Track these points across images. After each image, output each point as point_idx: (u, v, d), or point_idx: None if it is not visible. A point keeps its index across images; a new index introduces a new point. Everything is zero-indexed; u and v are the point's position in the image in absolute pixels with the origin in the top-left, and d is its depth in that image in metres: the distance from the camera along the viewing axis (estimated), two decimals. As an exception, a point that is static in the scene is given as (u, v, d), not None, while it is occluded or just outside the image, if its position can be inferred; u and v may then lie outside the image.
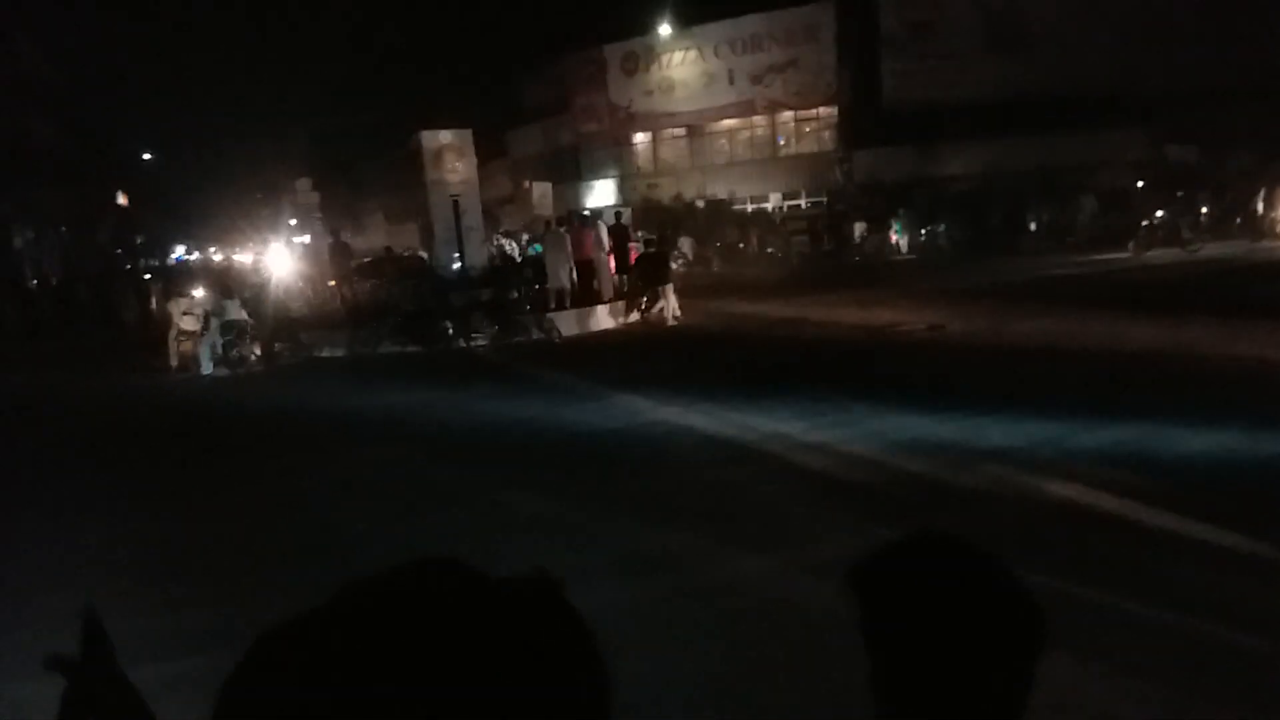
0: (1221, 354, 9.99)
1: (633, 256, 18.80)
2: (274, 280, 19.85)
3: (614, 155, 39.96)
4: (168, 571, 5.91)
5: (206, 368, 15.15)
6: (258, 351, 15.43)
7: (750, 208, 36.85)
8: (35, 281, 30.99)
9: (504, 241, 22.42)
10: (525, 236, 20.98)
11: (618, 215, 19.34)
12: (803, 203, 36.36)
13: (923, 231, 30.70)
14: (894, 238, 31.05)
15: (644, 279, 17.54)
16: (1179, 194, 25.14)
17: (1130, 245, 22.60)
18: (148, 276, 27.99)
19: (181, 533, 6.79)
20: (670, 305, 17.03)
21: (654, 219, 31.84)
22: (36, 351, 20.66)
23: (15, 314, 23.41)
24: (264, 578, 5.57)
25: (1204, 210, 25.14)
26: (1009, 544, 4.67)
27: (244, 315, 15.42)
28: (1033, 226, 29.32)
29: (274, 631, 0.64)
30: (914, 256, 29.36)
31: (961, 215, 30.12)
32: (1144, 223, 23.51)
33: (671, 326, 16.67)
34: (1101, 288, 17.46)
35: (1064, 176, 29.14)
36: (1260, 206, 24.34)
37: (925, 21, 33.62)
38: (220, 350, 15.13)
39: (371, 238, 33.50)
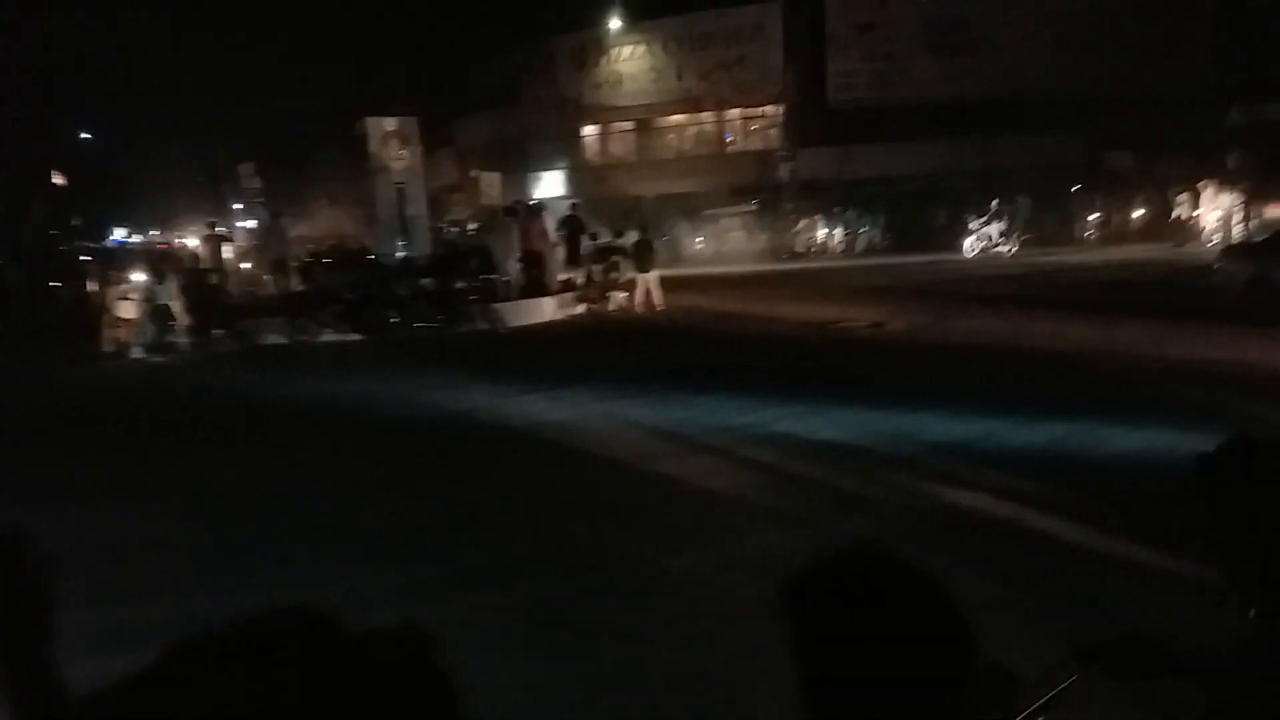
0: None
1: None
2: (214, 265, 19.58)
3: (563, 147, 39.90)
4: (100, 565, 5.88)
5: (137, 353, 14.95)
6: (189, 338, 15.23)
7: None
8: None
9: (452, 230, 22.38)
10: (471, 226, 20.94)
11: (573, 207, 19.42)
12: (750, 203, 36.77)
13: (863, 230, 31.41)
14: (835, 235, 31.74)
15: (638, 265, 17.64)
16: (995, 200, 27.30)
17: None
18: (85, 259, 27.30)
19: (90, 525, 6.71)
20: (656, 294, 17.32)
21: (603, 212, 32.04)
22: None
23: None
24: (172, 572, 5.62)
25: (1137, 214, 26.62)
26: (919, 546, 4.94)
27: (175, 301, 15.21)
28: (971, 226, 30.11)
29: (122, 683, 0.61)
30: (853, 254, 29.96)
31: (901, 214, 30.88)
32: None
33: (618, 318, 16.87)
34: (1041, 286, 18.02)
35: (1003, 178, 29.92)
36: (1182, 211, 25.32)
37: (869, 23, 34.15)
38: (150, 336, 14.95)
39: (318, 224, 33.05)
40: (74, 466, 8.31)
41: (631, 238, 18.26)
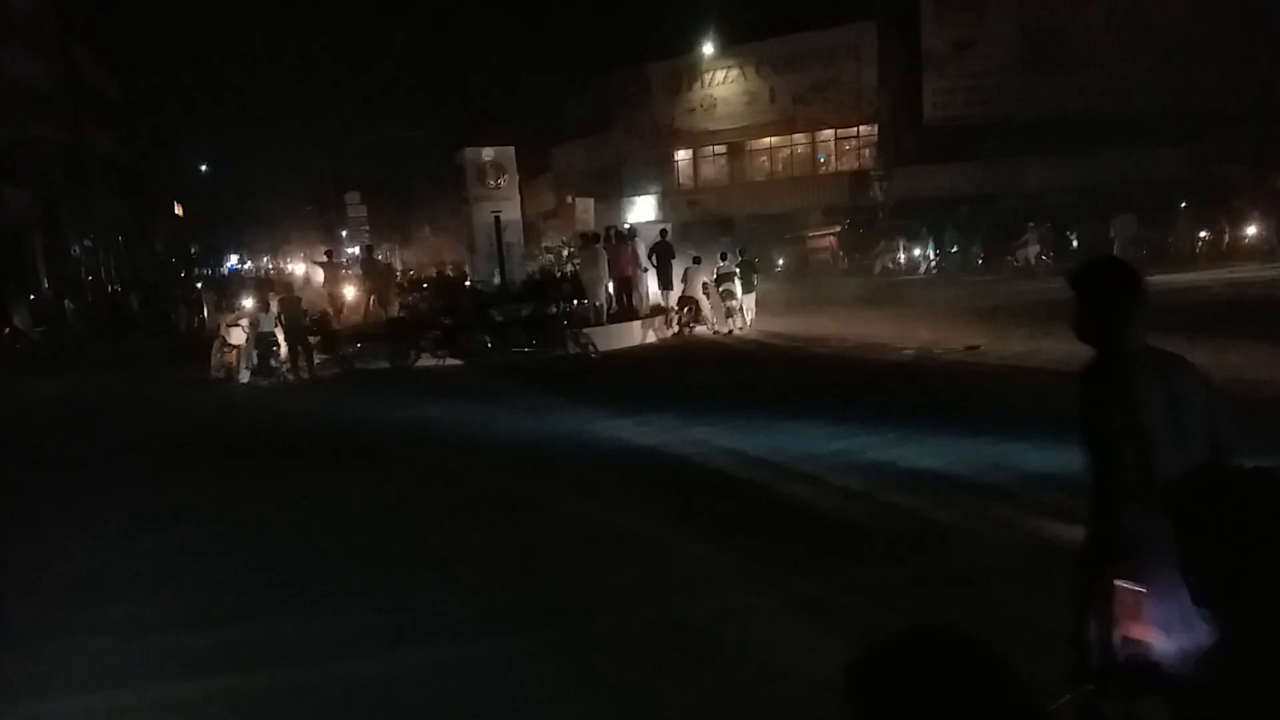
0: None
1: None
2: (319, 291, 20.32)
3: (656, 172, 40.26)
4: (198, 587, 6.09)
5: (244, 377, 15.58)
6: (299, 363, 15.77)
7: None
8: (90, 290, 31.88)
9: (548, 256, 22.75)
10: (566, 251, 21.27)
11: (662, 233, 19.54)
12: (841, 223, 36.45)
13: (956, 250, 30.76)
14: (928, 255, 31.21)
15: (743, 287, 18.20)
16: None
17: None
18: (199, 285, 28.71)
19: (210, 546, 6.98)
20: (750, 316, 18.09)
21: (695, 235, 32.19)
22: (92, 358, 21.33)
23: (78, 324, 24.15)
24: (282, 593, 5.79)
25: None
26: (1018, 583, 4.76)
27: (278, 328, 15.77)
28: (1074, 244, 29.23)
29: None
30: (946, 274, 29.32)
31: (998, 233, 30.12)
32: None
33: (709, 343, 16.91)
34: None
35: (1105, 195, 28.96)
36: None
37: (967, 40, 33.61)
38: (255, 360, 15.55)
39: (419, 252, 34.07)
40: (176, 487, 8.72)
41: (734, 261, 18.40)
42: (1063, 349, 13.03)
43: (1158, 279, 21.77)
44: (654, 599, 5.31)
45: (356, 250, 29.05)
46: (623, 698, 4.22)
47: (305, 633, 5.10)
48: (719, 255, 18.90)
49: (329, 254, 24.19)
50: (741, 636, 4.76)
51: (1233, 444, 2.67)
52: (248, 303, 17.40)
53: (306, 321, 16.22)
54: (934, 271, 30.03)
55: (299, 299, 16.72)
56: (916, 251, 31.46)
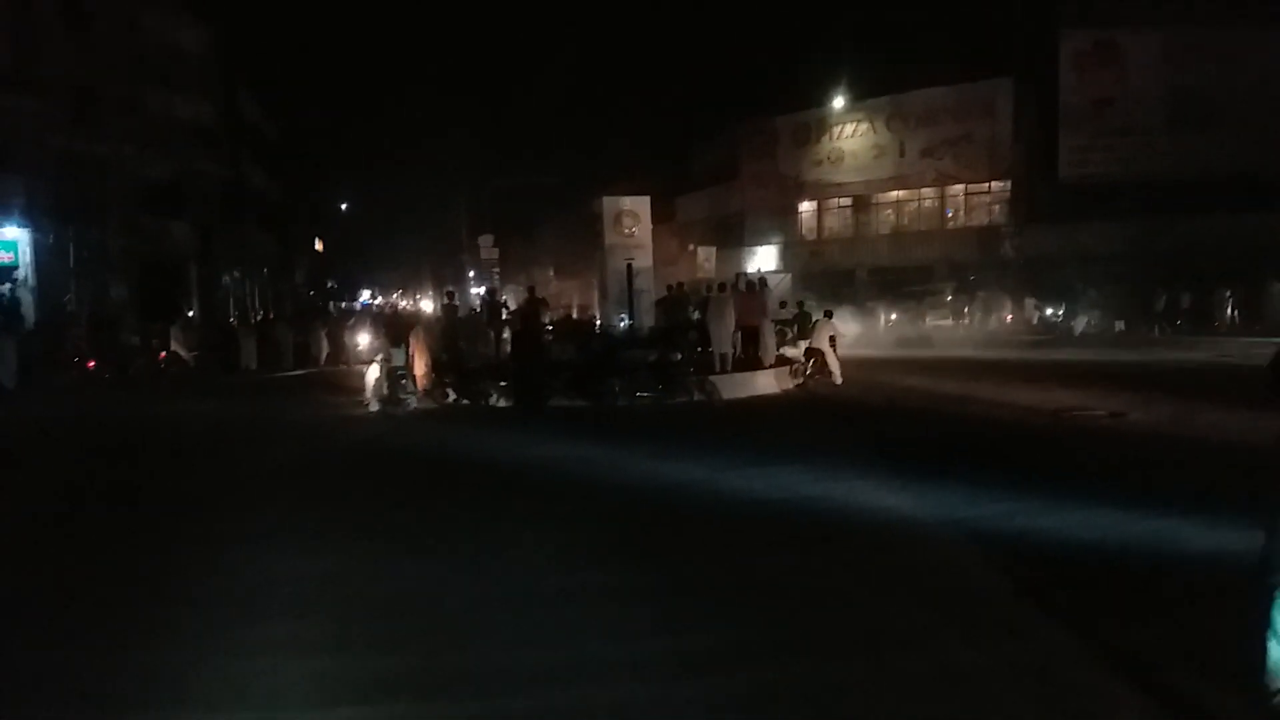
0: None
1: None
2: (447, 329, 20.99)
3: (778, 222, 40.41)
4: (373, 610, 6.34)
5: (374, 407, 16.22)
6: (424, 397, 16.30)
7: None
8: (235, 318, 33.76)
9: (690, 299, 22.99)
10: (693, 300, 21.52)
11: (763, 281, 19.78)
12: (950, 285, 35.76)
13: (1089, 311, 29.82)
14: (1059, 315, 30.41)
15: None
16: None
17: None
18: (337, 318, 30.06)
19: (375, 570, 7.25)
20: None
21: (815, 285, 32.18)
22: (240, 383, 22.58)
23: (228, 352, 25.66)
24: (420, 624, 5.99)
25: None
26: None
27: (409, 362, 16.38)
28: (1229, 309, 28.02)
29: None
30: (1080, 337, 28.35)
31: (1133, 295, 29.08)
32: None
33: (834, 394, 16.79)
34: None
35: (1254, 258, 27.66)
36: None
37: (1108, 98, 32.78)
38: (385, 393, 16.17)
39: (547, 293, 34.99)
40: (335, 511, 9.11)
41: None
42: (1213, 418, 12.47)
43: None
44: (830, 651, 5.31)
45: (484, 290, 29.95)
46: None
47: (487, 663, 5.25)
48: (778, 304, 19.06)
49: (450, 295, 25.05)
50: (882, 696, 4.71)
51: None
52: (376, 336, 18.12)
53: (443, 356, 16.78)
54: (1074, 333, 29.12)
55: (437, 332, 17.32)
56: (1049, 311, 30.67)
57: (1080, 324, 29.74)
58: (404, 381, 16.39)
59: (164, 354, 24.16)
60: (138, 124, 29.98)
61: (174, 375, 23.44)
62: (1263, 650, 3.35)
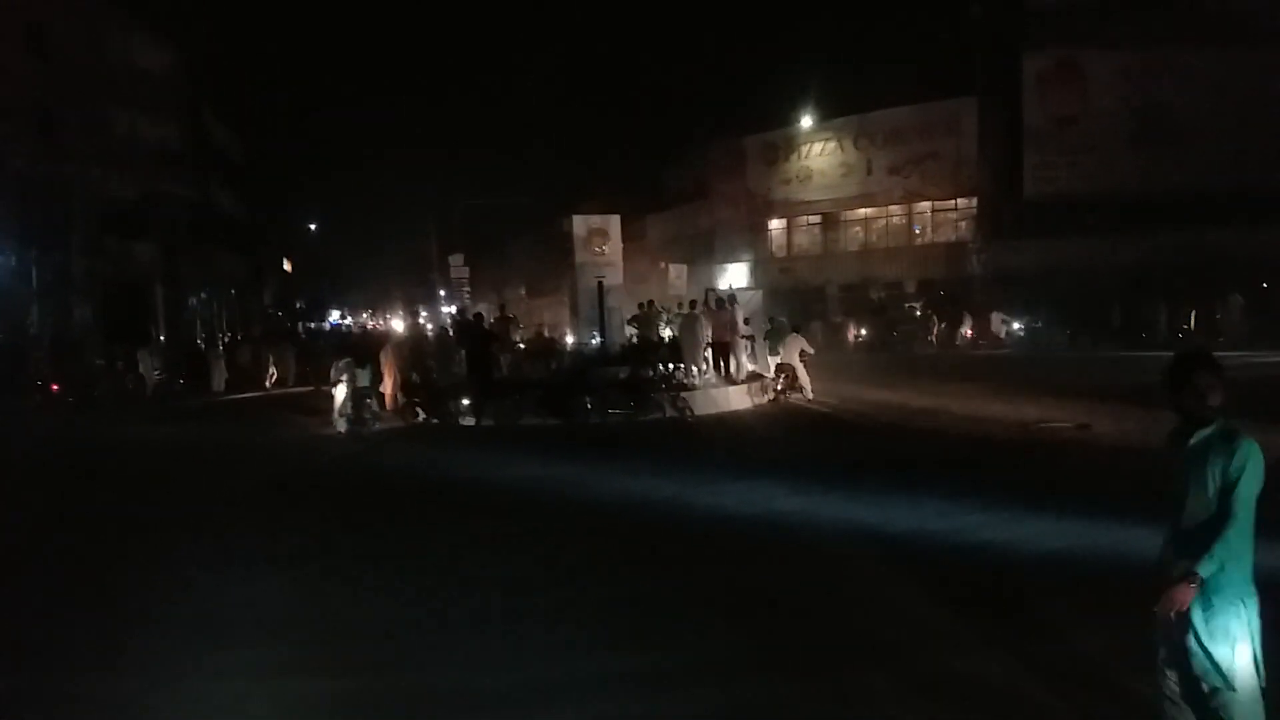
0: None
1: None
2: (417, 349, 20.86)
3: (748, 240, 40.67)
4: (337, 632, 6.28)
5: (341, 426, 16.09)
6: (394, 417, 16.15)
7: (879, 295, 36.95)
8: (203, 340, 33.35)
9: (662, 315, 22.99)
10: (665, 317, 21.55)
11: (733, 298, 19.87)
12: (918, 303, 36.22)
13: (1054, 325, 30.34)
14: (1024, 330, 30.92)
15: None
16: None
17: None
18: (303, 338, 29.81)
19: (323, 598, 7.14)
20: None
21: (785, 302, 32.45)
22: (201, 405, 22.29)
23: (196, 374, 25.36)
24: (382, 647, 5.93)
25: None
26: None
27: (376, 382, 16.24)
28: (1189, 324, 28.49)
29: None
30: (1048, 350, 28.70)
31: (1102, 311, 29.53)
32: None
33: (806, 409, 16.84)
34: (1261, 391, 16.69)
35: (1213, 273, 28.15)
36: None
37: (1069, 115, 33.29)
38: (351, 413, 16.04)
39: (517, 312, 35.03)
40: (299, 534, 9.00)
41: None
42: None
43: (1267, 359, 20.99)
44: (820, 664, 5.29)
45: (454, 309, 29.87)
46: None
47: (450, 684, 5.20)
48: (743, 321, 19.28)
49: (418, 314, 25.02)
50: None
51: None
52: (343, 357, 17.99)
53: (413, 378, 16.66)
54: (1037, 346, 29.53)
55: (407, 352, 17.21)
56: (1016, 325, 31.08)
57: (1038, 337, 30.28)
58: (369, 401, 16.29)
59: (129, 374, 23.85)
60: (102, 145, 29.69)
61: (140, 398, 23.12)
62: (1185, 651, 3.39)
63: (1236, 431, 3.37)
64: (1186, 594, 3.31)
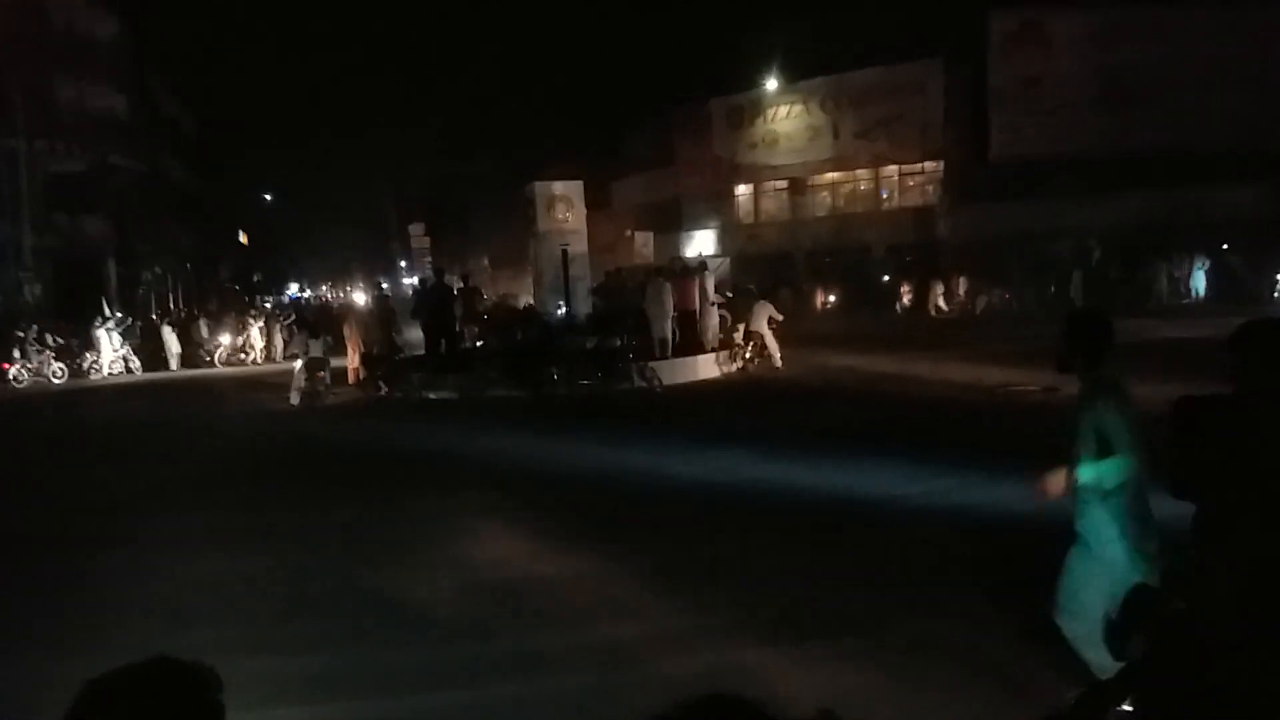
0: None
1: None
2: (381, 321, 20.46)
3: (715, 206, 40.27)
4: (277, 613, 6.07)
5: (294, 399, 15.83)
6: (356, 389, 15.91)
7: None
8: (158, 315, 32.57)
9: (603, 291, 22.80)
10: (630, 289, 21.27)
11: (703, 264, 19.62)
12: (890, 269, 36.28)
13: (1026, 287, 30.40)
14: (994, 295, 30.96)
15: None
16: None
17: None
18: (259, 312, 29.23)
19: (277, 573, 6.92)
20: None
21: (753, 269, 32.27)
22: (162, 383, 21.77)
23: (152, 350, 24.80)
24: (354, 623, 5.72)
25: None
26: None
27: (322, 354, 16.04)
28: (1159, 285, 28.73)
29: None
30: (1015, 314, 28.81)
31: (1069, 273, 29.61)
32: None
33: (775, 377, 16.70)
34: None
35: (1180, 234, 28.29)
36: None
37: (1035, 76, 33.14)
38: (306, 387, 15.78)
39: (481, 282, 34.52)
40: (268, 510, 8.73)
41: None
42: (1143, 391, 12.57)
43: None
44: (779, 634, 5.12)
45: (417, 280, 29.40)
46: None
47: (424, 658, 5.10)
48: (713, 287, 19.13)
49: (380, 286, 24.52)
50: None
51: None
52: (300, 330, 17.73)
53: (375, 350, 16.37)
54: (1010, 309, 29.62)
55: (369, 323, 16.93)
56: (982, 293, 31.13)
57: (1012, 302, 30.31)
58: (322, 374, 16.02)
59: (89, 354, 23.29)
60: (49, 117, 28.73)
61: (95, 375, 22.58)
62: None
63: (1108, 383, 3.80)
64: (1055, 485, 3.93)
